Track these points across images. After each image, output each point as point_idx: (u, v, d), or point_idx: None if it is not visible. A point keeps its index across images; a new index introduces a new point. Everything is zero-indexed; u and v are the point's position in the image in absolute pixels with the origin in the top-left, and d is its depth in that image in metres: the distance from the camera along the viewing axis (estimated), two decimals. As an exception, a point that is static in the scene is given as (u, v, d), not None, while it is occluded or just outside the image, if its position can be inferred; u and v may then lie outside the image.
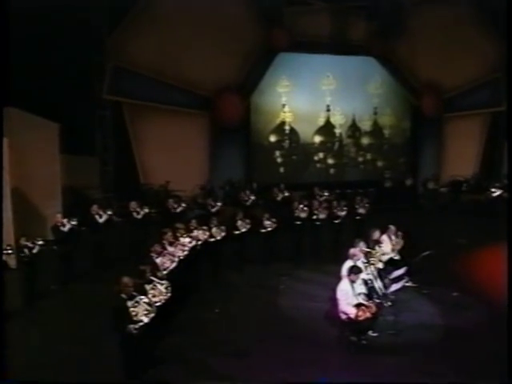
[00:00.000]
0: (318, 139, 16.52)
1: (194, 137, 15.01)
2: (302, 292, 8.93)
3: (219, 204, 12.06)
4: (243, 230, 10.17)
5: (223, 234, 9.72)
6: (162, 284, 6.77)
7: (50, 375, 6.28)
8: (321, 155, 16.62)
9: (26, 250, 8.62)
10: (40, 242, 8.84)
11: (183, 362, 6.57)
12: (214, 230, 9.66)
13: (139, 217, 10.99)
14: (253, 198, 13.08)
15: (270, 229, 10.38)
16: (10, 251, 8.33)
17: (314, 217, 10.87)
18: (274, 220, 10.43)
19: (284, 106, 15.90)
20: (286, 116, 15.97)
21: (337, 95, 16.36)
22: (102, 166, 14.36)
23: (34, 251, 8.70)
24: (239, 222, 10.20)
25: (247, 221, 10.28)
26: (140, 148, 14.76)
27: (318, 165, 16.67)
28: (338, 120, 16.56)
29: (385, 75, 16.59)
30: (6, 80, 8.48)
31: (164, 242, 8.38)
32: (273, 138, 16.09)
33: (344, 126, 16.67)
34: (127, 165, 14.53)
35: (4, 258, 7.82)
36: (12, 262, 8.82)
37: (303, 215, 10.82)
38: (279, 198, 13.13)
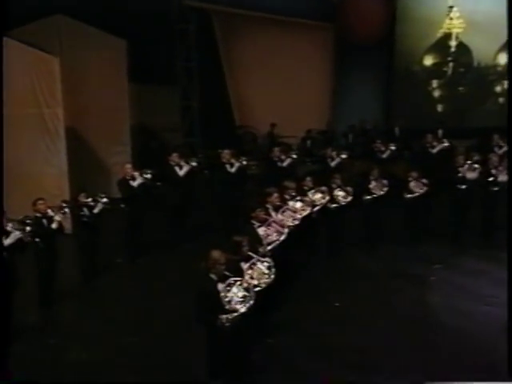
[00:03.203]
0: (502, 60, 15.73)
1: (310, 60, 14.97)
2: (462, 288, 8.66)
3: (344, 156, 11.86)
4: (378, 193, 10.07)
5: (349, 198, 9.68)
6: (263, 263, 6.64)
7: (113, 375, 6.45)
8: (505, 85, 15.72)
9: (85, 210, 8.89)
10: (103, 200, 9.04)
11: (286, 371, 6.53)
12: (335, 191, 9.61)
13: (233, 170, 10.93)
14: (393, 148, 12.57)
15: (417, 194, 10.17)
16: (65, 210, 8.59)
17: (490, 179, 10.36)
18: (424, 181, 10.19)
19: (451, 9, 15.29)
20: (453, 25, 15.36)
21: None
22: (183, 100, 14.53)
23: (96, 211, 8.95)
24: (372, 183, 10.11)
25: (384, 181, 10.17)
26: (235, 76, 14.74)
27: (501, 99, 15.80)
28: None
29: None
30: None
31: (268, 205, 8.29)
32: (428, 61, 15.63)
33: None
34: (217, 99, 14.66)
35: (57, 217, 8.09)
36: (67, 224, 9.16)
37: (472, 175, 10.42)
38: (434, 150, 12.51)
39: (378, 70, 15.19)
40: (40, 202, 7.92)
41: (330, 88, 15.17)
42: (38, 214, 7.85)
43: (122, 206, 9.72)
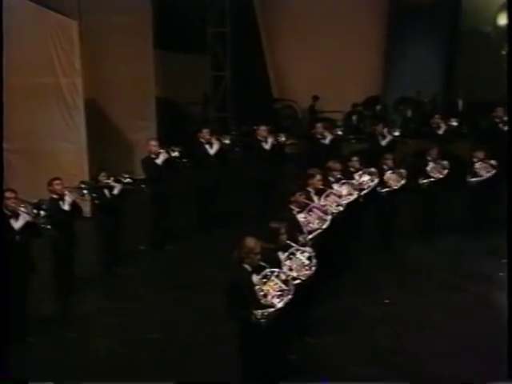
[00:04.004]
0: None
1: (359, 22, 14.75)
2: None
3: (396, 133, 11.76)
4: (436, 176, 10.02)
5: (402, 181, 9.62)
6: (303, 253, 6.62)
7: (136, 373, 6.54)
8: None
9: (105, 191, 9.02)
10: (126, 180, 9.19)
11: (327, 374, 6.49)
12: (387, 174, 9.55)
13: (269, 148, 10.98)
14: (455, 123, 12.31)
15: (484, 177, 10.08)
16: (84, 191, 8.76)
17: None
18: (492, 163, 10.08)
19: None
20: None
21: None
22: (214, 70, 14.55)
23: (117, 192, 9.06)
24: (430, 164, 10.05)
25: (444, 162, 10.09)
26: (274, 43, 14.71)
27: None
28: None
29: None
30: None
31: (309, 189, 8.23)
32: (503, 20, 15.03)
33: None
34: (253, 69, 14.67)
35: (68, 197, 8.14)
36: (86, 207, 9.36)
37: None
38: (506, 127, 11.93)
39: (439, 32, 14.98)
40: (56, 182, 8.02)
41: (381, 55, 14.90)
42: (54, 196, 7.99)
43: (146, 186, 9.79)
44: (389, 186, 9.48)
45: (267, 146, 10.97)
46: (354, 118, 14.86)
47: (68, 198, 8.10)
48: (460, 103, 13.85)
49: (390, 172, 9.57)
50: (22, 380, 6.04)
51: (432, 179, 9.93)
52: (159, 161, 9.85)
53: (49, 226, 7.50)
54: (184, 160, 10.42)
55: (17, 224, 6.93)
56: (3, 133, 7.82)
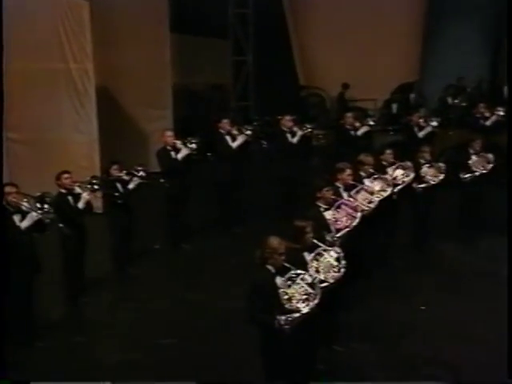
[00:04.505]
0: None
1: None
2: None
3: (435, 123, 11.68)
4: (479, 171, 10.03)
5: (441, 176, 9.60)
6: (331, 253, 6.62)
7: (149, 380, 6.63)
8: None
9: (118, 186, 9.08)
10: (140, 174, 9.24)
11: None
12: (424, 168, 9.53)
13: (295, 140, 10.97)
14: (501, 113, 12.25)
15: None
16: (95, 186, 8.78)
17: None
18: None
19: None
20: None
21: None
22: (235, 54, 14.59)
23: (131, 187, 9.14)
24: (473, 158, 10.07)
25: (488, 156, 10.11)
26: (300, 23, 14.72)
27: None
28: None
29: None
30: None
31: (338, 184, 8.27)
32: None
33: None
34: (277, 54, 14.62)
35: (86, 195, 8.28)
36: (97, 203, 9.42)
37: None
38: None
39: (483, 11, 14.79)
40: (65, 175, 8.06)
41: (418, 37, 14.81)
42: (63, 190, 8.04)
43: (162, 181, 9.86)
44: (426, 182, 9.44)
45: (292, 138, 10.96)
46: (395, 106, 14.79)
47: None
48: (506, 90, 13.60)
49: (427, 166, 9.53)
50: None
51: (475, 174, 9.87)
52: (176, 153, 9.86)
53: (61, 225, 7.65)
54: (202, 152, 10.43)
55: (23, 223, 6.95)
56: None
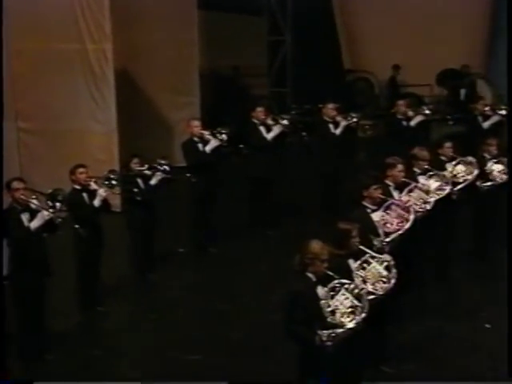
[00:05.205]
0: None
1: None
2: None
3: (503, 112, 11.62)
4: None
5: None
6: (380, 261, 6.60)
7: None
8: None
9: (139, 181, 9.11)
10: (163, 168, 9.26)
11: None
12: (489, 164, 9.46)
13: (338, 131, 10.96)
14: None
15: None
16: (113, 182, 8.84)
17: None
18: None
19: None
20: None
21: None
22: (271, 34, 14.58)
23: (153, 182, 9.17)
24: None
25: None
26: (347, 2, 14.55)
27: None
28: None
29: None
30: None
31: (388, 182, 8.21)
32: None
33: None
34: (319, 33, 14.64)
35: (102, 192, 8.27)
36: (115, 200, 9.57)
37: None
38: None
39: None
40: (80, 170, 8.10)
41: (483, 12, 14.60)
42: (77, 187, 8.08)
43: (188, 176, 9.87)
44: (492, 180, 9.31)
45: (335, 129, 10.94)
46: (463, 92, 14.61)
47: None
48: None
49: (493, 161, 9.43)
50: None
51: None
52: (204, 145, 9.88)
53: (77, 226, 7.70)
54: (233, 144, 10.43)
55: (33, 223, 6.94)
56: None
